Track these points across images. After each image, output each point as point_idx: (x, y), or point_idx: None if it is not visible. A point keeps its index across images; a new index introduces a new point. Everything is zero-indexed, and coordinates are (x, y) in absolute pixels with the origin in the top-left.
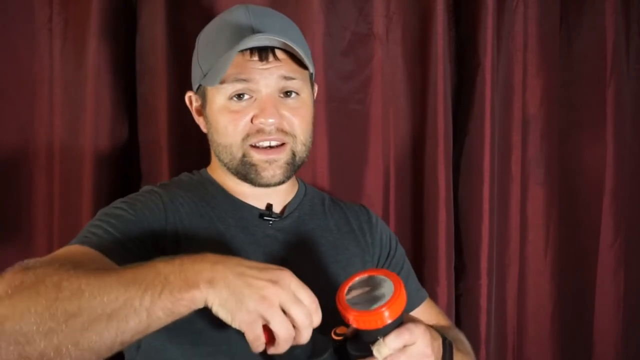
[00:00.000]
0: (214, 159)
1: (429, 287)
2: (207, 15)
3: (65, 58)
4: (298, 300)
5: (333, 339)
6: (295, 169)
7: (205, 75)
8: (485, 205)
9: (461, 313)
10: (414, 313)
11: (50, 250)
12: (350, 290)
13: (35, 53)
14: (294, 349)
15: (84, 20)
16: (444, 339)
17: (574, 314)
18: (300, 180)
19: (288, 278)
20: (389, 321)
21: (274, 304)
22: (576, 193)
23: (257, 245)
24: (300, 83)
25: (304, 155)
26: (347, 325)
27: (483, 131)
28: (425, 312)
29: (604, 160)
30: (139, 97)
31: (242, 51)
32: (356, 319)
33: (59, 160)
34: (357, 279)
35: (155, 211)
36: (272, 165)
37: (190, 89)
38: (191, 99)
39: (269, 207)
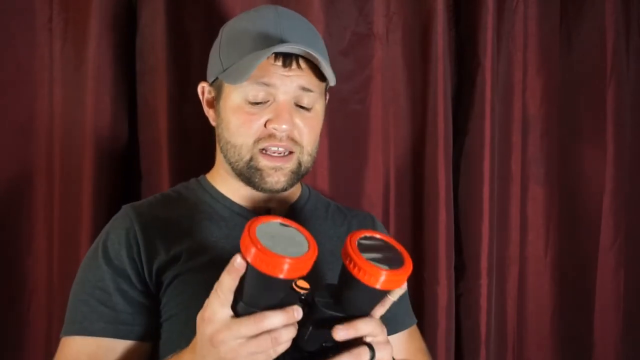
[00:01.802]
0: (217, 163)
1: (428, 287)
2: (207, 15)
3: (65, 58)
4: (248, 342)
5: (296, 291)
6: (299, 177)
7: (225, 70)
8: (485, 205)
9: (461, 313)
10: (395, 338)
11: (50, 250)
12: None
13: (35, 53)
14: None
15: (84, 20)
16: None
17: (574, 314)
18: (305, 186)
19: (226, 332)
20: (383, 288)
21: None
22: (576, 193)
23: None
24: (315, 96)
25: (309, 165)
26: (347, 271)
27: (483, 131)
28: (407, 342)
29: (604, 160)
30: (139, 97)
31: None
32: (362, 268)
33: (59, 160)
34: (369, 234)
35: (129, 254)
36: (278, 172)
37: (191, 87)
38: (204, 89)
39: (268, 212)
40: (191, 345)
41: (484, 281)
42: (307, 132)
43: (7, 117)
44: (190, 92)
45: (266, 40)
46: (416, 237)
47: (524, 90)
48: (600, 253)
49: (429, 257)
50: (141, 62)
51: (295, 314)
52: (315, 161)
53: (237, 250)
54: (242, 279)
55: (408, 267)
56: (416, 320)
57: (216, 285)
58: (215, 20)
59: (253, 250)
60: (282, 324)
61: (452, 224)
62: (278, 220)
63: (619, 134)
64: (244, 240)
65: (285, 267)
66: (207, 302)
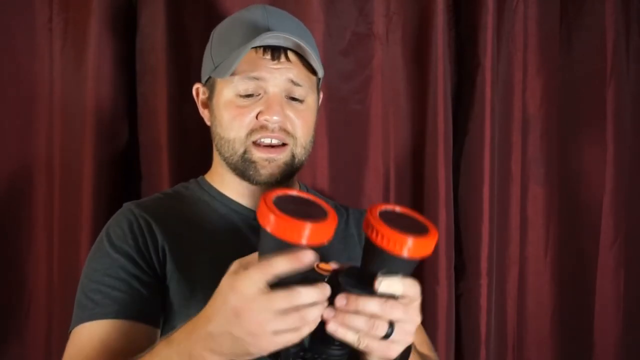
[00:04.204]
0: (214, 163)
1: (429, 287)
2: (207, 15)
3: (65, 58)
4: (276, 317)
5: (319, 273)
6: (293, 170)
7: (216, 68)
8: (485, 205)
9: (461, 313)
10: None
11: (50, 250)
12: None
13: (35, 53)
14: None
15: (84, 20)
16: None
17: (574, 314)
18: (302, 185)
19: (256, 305)
20: (411, 256)
21: (265, 344)
22: (576, 193)
23: (250, 248)
24: (306, 89)
25: (303, 158)
26: (371, 244)
27: (483, 131)
28: None
29: (604, 160)
30: (139, 97)
31: (255, 48)
32: (385, 236)
33: (59, 160)
34: (397, 209)
35: (135, 243)
36: (272, 164)
37: (191, 87)
38: (198, 90)
39: None
40: (204, 313)
41: (484, 281)
42: (299, 124)
43: (7, 117)
44: (190, 92)
45: (254, 33)
46: None
47: (524, 90)
48: (600, 253)
49: (429, 257)
50: (141, 61)
51: (326, 291)
52: (315, 161)
53: (235, 248)
54: (262, 254)
55: (434, 234)
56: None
57: (264, 262)
58: (215, 20)
59: (272, 217)
60: (313, 300)
61: (452, 224)
62: (294, 192)
63: (619, 134)
64: (262, 211)
65: (307, 232)
66: (242, 272)
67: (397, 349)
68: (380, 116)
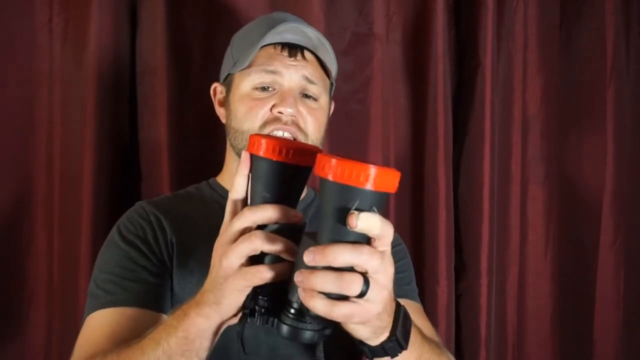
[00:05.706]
0: (226, 163)
1: (429, 287)
2: (207, 16)
3: (65, 58)
4: (241, 243)
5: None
6: None
7: (235, 63)
8: (485, 205)
9: (461, 313)
10: None
11: (50, 250)
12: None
13: (35, 53)
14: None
15: (84, 20)
16: (398, 304)
17: (574, 314)
18: (311, 189)
19: (220, 240)
20: (373, 188)
21: (235, 273)
22: (576, 193)
23: None
24: (319, 89)
25: None
26: (327, 184)
27: (483, 131)
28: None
29: (604, 160)
30: (139, 97)
31: (273, 45)
32: (337, 166)
33: (59, 160)
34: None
35: (144, 237)
36: None
37: (191, 87)
38: (216, 90)
39: None
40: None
41: (484, 281)
42: (311, 121)
43: (7, 117)
44: (191, 92)
45: (272, 25)
46: (416, 237)
47: (524, 90)
48: (600, 252)
49: (429, 257)
50: (141, 62)
51: (282, 212)
52: None
53: None
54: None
55: (395, 170)
56: (418, 300)
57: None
58: (215, 20)
59: (263, 141)
60: (269, 218)
61: (452, 224)
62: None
63: (619, 134)
64: (252, 139)
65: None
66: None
67: (374, 310)
68: (380, 116)
